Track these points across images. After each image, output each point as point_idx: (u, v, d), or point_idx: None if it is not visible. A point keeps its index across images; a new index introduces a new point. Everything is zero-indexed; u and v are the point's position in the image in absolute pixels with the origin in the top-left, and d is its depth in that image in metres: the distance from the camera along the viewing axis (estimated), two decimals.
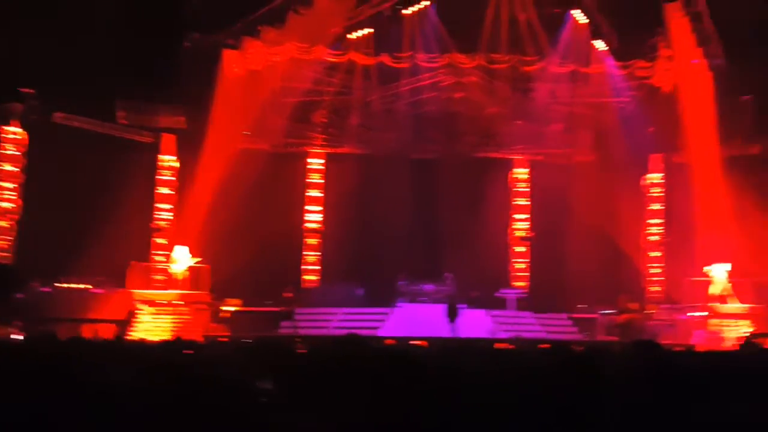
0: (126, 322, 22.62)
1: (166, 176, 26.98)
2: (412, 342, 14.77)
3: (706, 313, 24.06)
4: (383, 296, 25.85)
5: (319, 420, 3.57)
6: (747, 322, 23.56)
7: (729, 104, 24.43)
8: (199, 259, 23.15)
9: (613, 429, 3.50)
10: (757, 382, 4.47)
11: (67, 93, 23.49)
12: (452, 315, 21.91)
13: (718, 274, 23.76)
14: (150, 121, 26.32)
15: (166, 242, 25.75)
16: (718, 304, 23.82)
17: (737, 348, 12.26)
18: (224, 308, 25.29)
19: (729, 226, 24.17)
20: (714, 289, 23.86)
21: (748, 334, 22.49)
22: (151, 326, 22.40)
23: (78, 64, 21.75)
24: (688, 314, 24.57)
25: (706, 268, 24.01)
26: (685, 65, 24.49)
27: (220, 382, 4.11)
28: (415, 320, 23.62)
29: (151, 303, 22.97)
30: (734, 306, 23.67)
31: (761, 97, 24.48)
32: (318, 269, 29.38)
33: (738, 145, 25.66)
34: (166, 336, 20.82)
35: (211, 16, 23.64)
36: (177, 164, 26.90)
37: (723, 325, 23.67)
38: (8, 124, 24.20)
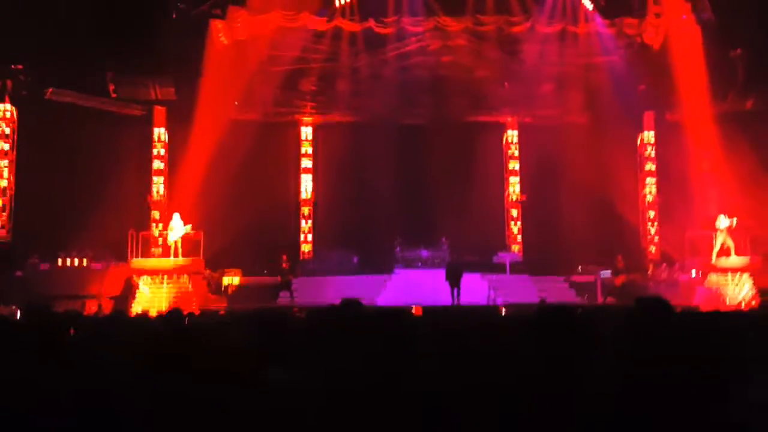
0: (125, 296, 22.66)
1: (160, 149, 26.91)
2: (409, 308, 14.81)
3: (701, 273, 24.19)
4: (379, 263, 25.90)
5: (309, 377, 3.57)
6: (746, 274, 23.69)
7: (719, 59, 24.32)
8: (190, 226, 23.15)
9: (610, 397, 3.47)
10: None
11: (56, 68, 23.33)
12: (454, 280, 21.83)
13: (722, 226, 23.81)
14: (140, 94, 26.18)
15: (161, 216, 25.74)
16: (719, 258, 23.91)
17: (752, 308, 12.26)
18: (226, 279, 25.40)
19: (724, 182, 24.21)
20: (717, 243, 23.92)
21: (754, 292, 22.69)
22: (151, 299, 22.44)
23: (66, 38, 21.55)
24: (691, 274, 24.67)
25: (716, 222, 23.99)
26: (673, 21, 24.34)
27: (217, 349, 4.11)
28: (413, 286, 23.68)
29: (149, 273, 22.98)
30: (734, 259, 23.77)
31: (751, 50, 24.37)
32: (312, 238, 29.40)
33: (730, 100, 25.60)
34: (165, 308, 20.94)
35: None
36: (166, 137, 26.83)
37: (722, 281, 23.79)
38: (1, 101, 24.04)
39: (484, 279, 24.34)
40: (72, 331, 5.25)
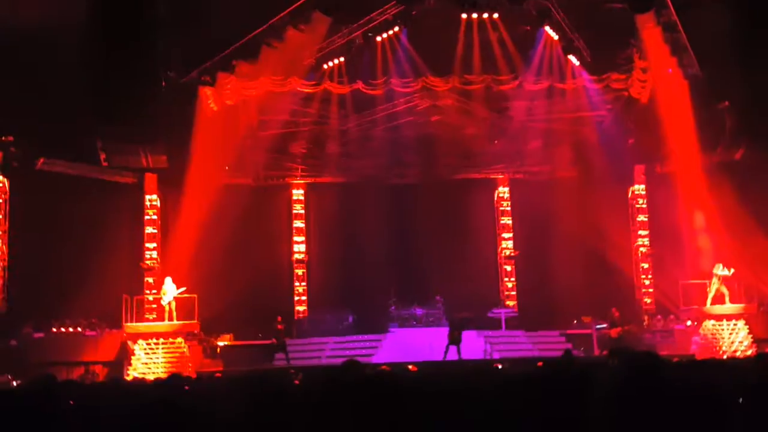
0: (121, 362, 22.51)
1: (152, 215, 26.95)
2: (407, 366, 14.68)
3: (696, 321, 24.17)
4: (374, 322, 25.77)
5: None
6: (742, 322, 23.66)
7: (707, 112, 24.59)
8: (183, 288, 23.08)
9: None
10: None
11: (47, 138, 23.47)
12: (458, 336, 21.73)
13: (719, 272, 23.86)
14: (132, 162, 26.27)
15: (155, 281, 25.66)
16: (713, 305, 23.91)
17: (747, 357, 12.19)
18: (219, 343, 25.22)
19: (716, 232, 24.31)
20: (712, 289, 23.94)
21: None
22: (147, 363, 22.27)
23: (56, 109, 21.73)
24: (686, 323, 24.65)
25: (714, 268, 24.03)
26: (660, 75, 24.65)
27: (216, 419, 4.06)
28: (408, 345, 23.53)
29: (144, 336, 22.81)
30: (729, 306, 23.77)
31: (738, 102, 24.67)
32: (306, 299, 29.27)
33: (719, 152, 25.83)
34: (161, 373, 20.76)
35: (185, 54, 23.69)
36: (159, 203, 26.90)
37: (718, 329, 23.74)
38: None
39: (480, 335, 24.23)
40: (72, 402, 5.18)
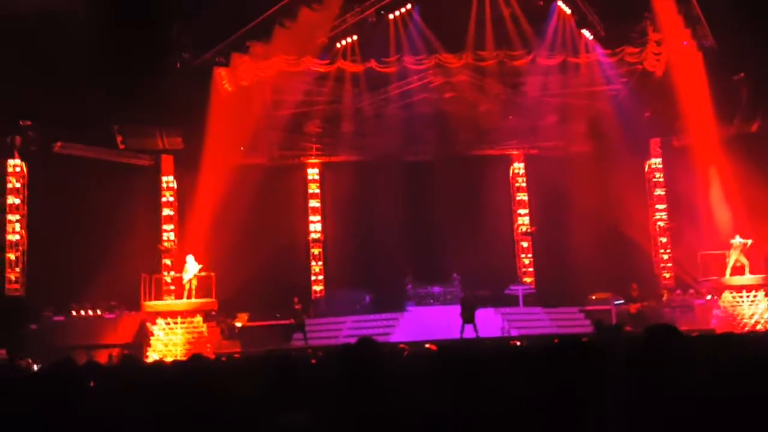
0: (140, 343, 22.69)
1: (169, 197, 27.11)
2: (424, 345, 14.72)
3: (716, 293, 24.07)
4: (391, 301, 25.82)
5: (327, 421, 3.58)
6: (762, 292, 23.55)
7: (722, 84, 24.40)
8: (201, 266, 23.19)
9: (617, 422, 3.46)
10: None
11: (64, 122, 23.61)
12: (469, 316, 21.74)
13: (737, 243, 23.73)
14: (148, 144, 26.42)
15: (172, 263, 25.84)
16: (733, 276, 23.80)
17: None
18: (237, 324, 25.36)
19: (733, 204, 24.17)
20: (731, 260, 23.82)
21: None
22: (166, 344, 22.45)
23: (73, 93, 21.82)
24: (706, 297, 24.56)
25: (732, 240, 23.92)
26: (674, 48, 24.45)
27: (236, 396, 4.11)
28: (426, 323, 23.57)
29: (163, 315, 22.96)
30: (749, 276, 23.65)
31: (754, 74, 24.45)
32: (323, 279, 29.40)
33: (736, 124, 25.64)
34: (180, 354, 20.95)
35: (199, 35, 23.71)
36: (175, 185, 27.05)
37: (738, 301, 23.64)
38: (11, 157, 24.34)
39: (497, 312, 24.25)
40: (92, 383, 5.26)
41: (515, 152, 30.42)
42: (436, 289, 26.13)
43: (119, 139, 25.62)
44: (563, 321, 24.42)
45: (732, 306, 23.65)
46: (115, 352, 21.93)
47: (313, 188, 30.07)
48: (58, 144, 24.78)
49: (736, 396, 3.46)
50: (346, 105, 27.61)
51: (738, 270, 23.88)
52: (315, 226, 29.74)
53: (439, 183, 27.87)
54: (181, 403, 3.84)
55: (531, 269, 29.57)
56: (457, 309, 22.27)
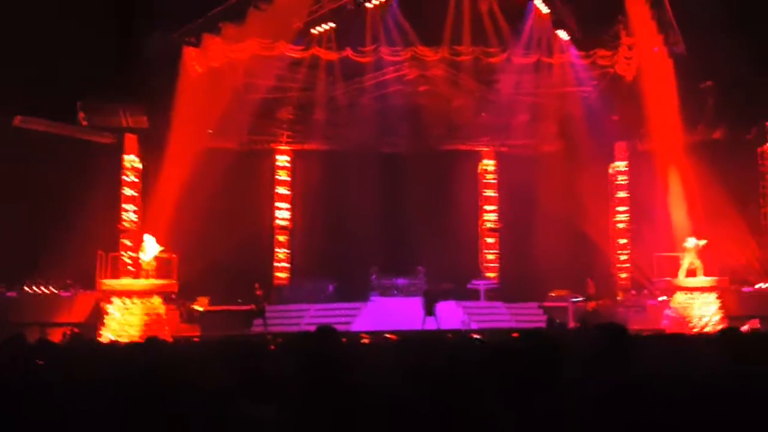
0: (94, 323, 22.31)
1: (131, 177, 26.73)
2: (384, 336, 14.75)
3: (668, 294, 24.38)
4: (355, 291, 25.87)
5: (283, 409, 3.54)
6: (713, 295, 23.87)
7: (690, 91, 24.71)
8: (162, 248, 22.85)
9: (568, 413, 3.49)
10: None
11: (25, 96, 23.11)
12: (429, 308, 21.87)
13: (690, 245, 24.01)
14: (112, 122, 26.01)
15: (132, 244, 25.48)
16: (685, 278, 24.10)
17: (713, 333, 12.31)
18: (196, 307, 25.14)
19: (693, 209, 24.47)
20: (685, 262, 24.11)
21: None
22: (121, 324, 22.08)
23: (35, 65, 21.40)
24: (659, 298, 24.87)
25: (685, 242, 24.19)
26: (646, 53, 24.69)
27: (192, 382, 4.05)
28: (388, 314, 23.65)
29: (119, 294, 22.54)
30: (702, 278, 23.96)
31: (721, 83, 24.80)
32: (288, 266, 29.29)
33: (700, 131, 25.98)
34: (135, 335, 20.65)
35: (170, 13, 23.37)
36: (140, 165, 26.67)
37: (690, 302, 23.93)
38: None
39: (459, 306, 24.45)
40: (40, 362, 5.16)
41: (486, 149, 30.60)
42: (401, 280, 26.26)
43: (82, 115, 25.19)
44: (522, 316, 24.76)
45: (683, 307, 23.96)
46: (69, 330, 21.58)
47: (283, 175, 29.92)
48: (18, 118, 24.25)
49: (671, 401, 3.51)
50: (319, 93, 27.44)
51: (692, 272, 24.21)
52: (282, 214, 29.61)
53: (409, 176, 27.89)
54: (132, 385, 3.76)
55: (494, 264, 29.80)
56: (420, 301, 22.37)
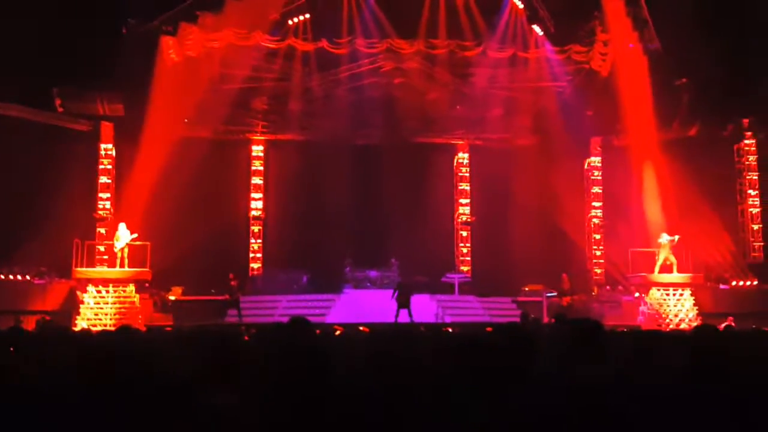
0: (68, 311, 22.22)
1: (107, 164, 26.57)
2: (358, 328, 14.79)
3: (643, 290, 24.64)
4: (329, 283, 25.86)
5: (255, 399, 3.56)
6: (688, 292, 24.15)
7: (665, 88, 24.92)
8: (136, 235, 22.79)
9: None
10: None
11: (1, 81, 22.84)
12: (404, 301, 21.83)
13: (664, 241, 24.25)
14: (88, 109, 25.80)
15: (107, 232, 25.35)
16: (660, 274, 24.35)
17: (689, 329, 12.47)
18: (170, 297, 25.06)
19: (667, 205, 24.73)
20: (660, 258, 24.36)
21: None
22: (95, 312, 22.03)
23: (12, 52, 21.16)
24: (634, 294, 25.10)
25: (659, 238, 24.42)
26: (621, 49, 24.88)
27: (164, 371, 4.06)
28: (362, 306, 23.66)
29: (94, 282, 22.51)
30: (676, 275, 24.23)
31: (695, 80, 25.03)
32: (261, 257, 29.24)
33: (675, 128, 26.22)
34: (110, 324, 20.60)
35: (147, 2, 23.21)
36: (114, 152, 26.51)
37: (665, 298, 24.20)
38: None
39: (433, 299, 24.47)
40: (12, 350, 5.14)
41: (460, 142, 30.68)
42: (374, 273, 26.29)
43: (58, 102, 24.98)
44: (496, 310, 24.75)
45: (659, 303, 24.24)
46: (43, 318, 21.42)
47: (257, 165, 29.85)
48: None
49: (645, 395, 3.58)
50: (294, 83, 27.38)
51: (667, 268, 24.46)
52: (256, 204, 29.56)
53: (384, 168, 27.89)
54: (103, 373, 3.77)
55: (468, 258, 29.88)
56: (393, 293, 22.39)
